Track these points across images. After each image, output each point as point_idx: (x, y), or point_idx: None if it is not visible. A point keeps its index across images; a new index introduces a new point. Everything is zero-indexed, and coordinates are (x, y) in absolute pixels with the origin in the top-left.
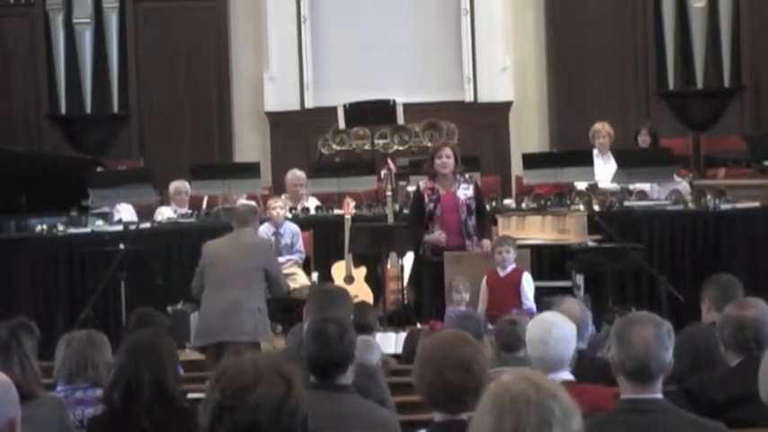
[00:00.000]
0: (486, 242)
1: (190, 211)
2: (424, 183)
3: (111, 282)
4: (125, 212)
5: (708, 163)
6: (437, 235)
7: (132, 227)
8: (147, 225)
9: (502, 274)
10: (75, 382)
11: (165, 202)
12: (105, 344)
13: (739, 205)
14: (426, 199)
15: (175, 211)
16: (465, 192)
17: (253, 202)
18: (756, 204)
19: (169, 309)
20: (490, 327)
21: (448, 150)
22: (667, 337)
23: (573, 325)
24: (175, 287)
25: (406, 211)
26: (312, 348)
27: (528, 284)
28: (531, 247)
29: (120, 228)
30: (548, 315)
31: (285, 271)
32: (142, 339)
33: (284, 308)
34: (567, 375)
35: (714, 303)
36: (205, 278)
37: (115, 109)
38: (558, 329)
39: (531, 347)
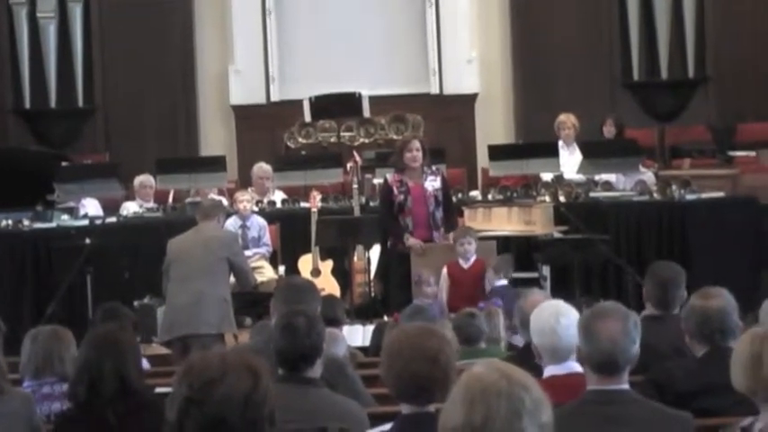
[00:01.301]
0: (452, 235)
1: (155, 206)
2: (391, 176)
3: (77, 276)
4: (90, 207)
5: (673, 153)
6: (418, 246)
7: (98, 221)
8: (112, 219)
9: (465, 265)
10: (41, 378)
11: (130, 196)
12: (71, 339)
13: (704, 195)
14: (396, 191)
15: (141, 206)
16: (432, 183)
17: (223, 197)
18: (721, 194)
19: (136, 303)
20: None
21: (417, 143)
22: (634, 330)
23: (576, 312)
24: (142, 281)
25: (372, 203)
26: (280, 342)
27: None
28: (498, 238)
29: (85, 222)
30: (553, 302)
31: (252, 264)
32: (102, 333)
33: (251, 301)
34: (576, 366)
35: (647, 298)
36: (170, 274)
37: (80, 103)
38: (565, 317)
39: (540, 336)
